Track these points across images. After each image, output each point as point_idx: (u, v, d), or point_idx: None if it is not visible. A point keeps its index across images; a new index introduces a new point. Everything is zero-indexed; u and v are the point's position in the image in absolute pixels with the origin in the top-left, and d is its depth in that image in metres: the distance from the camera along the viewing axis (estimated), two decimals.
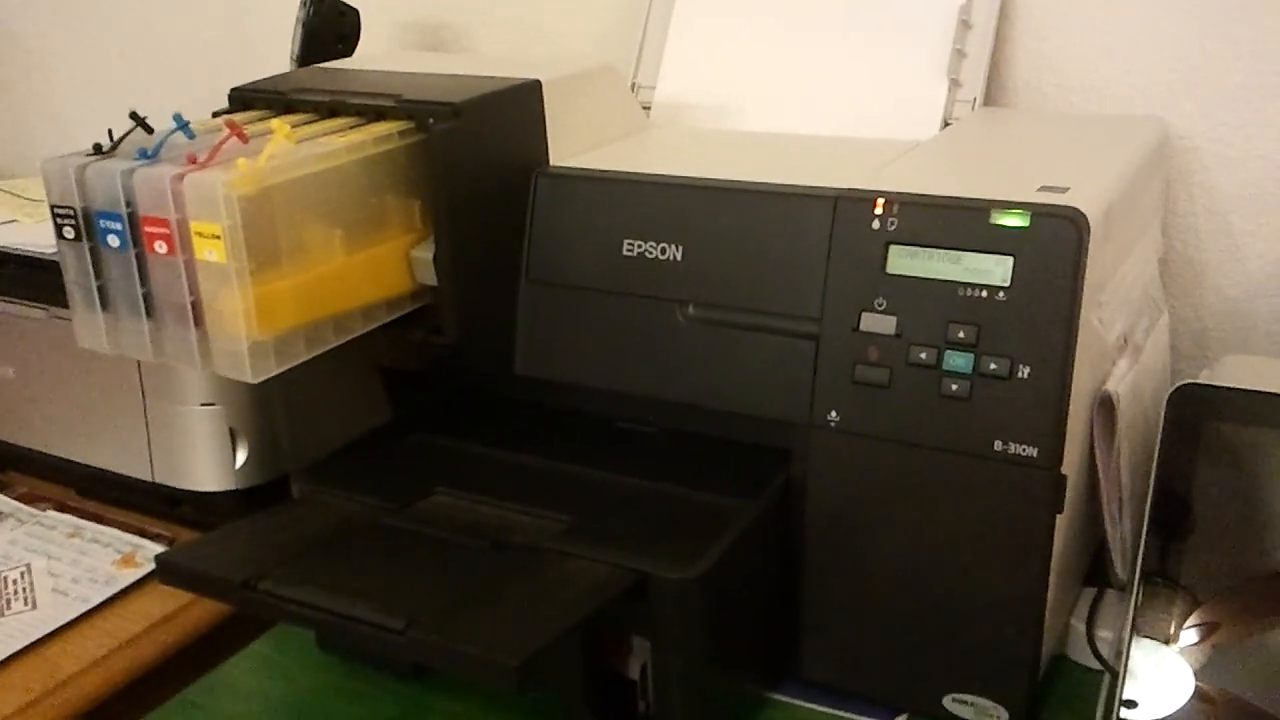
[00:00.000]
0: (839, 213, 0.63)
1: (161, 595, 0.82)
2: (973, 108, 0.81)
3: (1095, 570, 0.71)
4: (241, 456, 0.89)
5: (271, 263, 0.58)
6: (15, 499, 0.97)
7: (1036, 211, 0.58)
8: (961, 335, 0.59)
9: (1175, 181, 0.84)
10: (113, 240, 0.59)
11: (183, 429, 0.88)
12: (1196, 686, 0.59)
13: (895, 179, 0.65)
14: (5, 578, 0.85)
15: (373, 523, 0.66)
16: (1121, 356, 0.67)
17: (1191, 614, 0.62)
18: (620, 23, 0.99)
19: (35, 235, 0.96)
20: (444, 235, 0.65)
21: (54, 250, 0.62)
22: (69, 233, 0.61)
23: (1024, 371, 0.58)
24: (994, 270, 0.59)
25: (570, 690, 0.64)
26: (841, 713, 0.68)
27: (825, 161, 0.74)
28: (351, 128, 0.65)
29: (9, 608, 0.82)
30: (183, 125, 0.62)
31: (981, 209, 0.59)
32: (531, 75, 0.70)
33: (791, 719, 0.68)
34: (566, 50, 1.04)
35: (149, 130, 0.62)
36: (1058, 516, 0.59)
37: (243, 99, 0.70)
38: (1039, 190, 0.60)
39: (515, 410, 0.76)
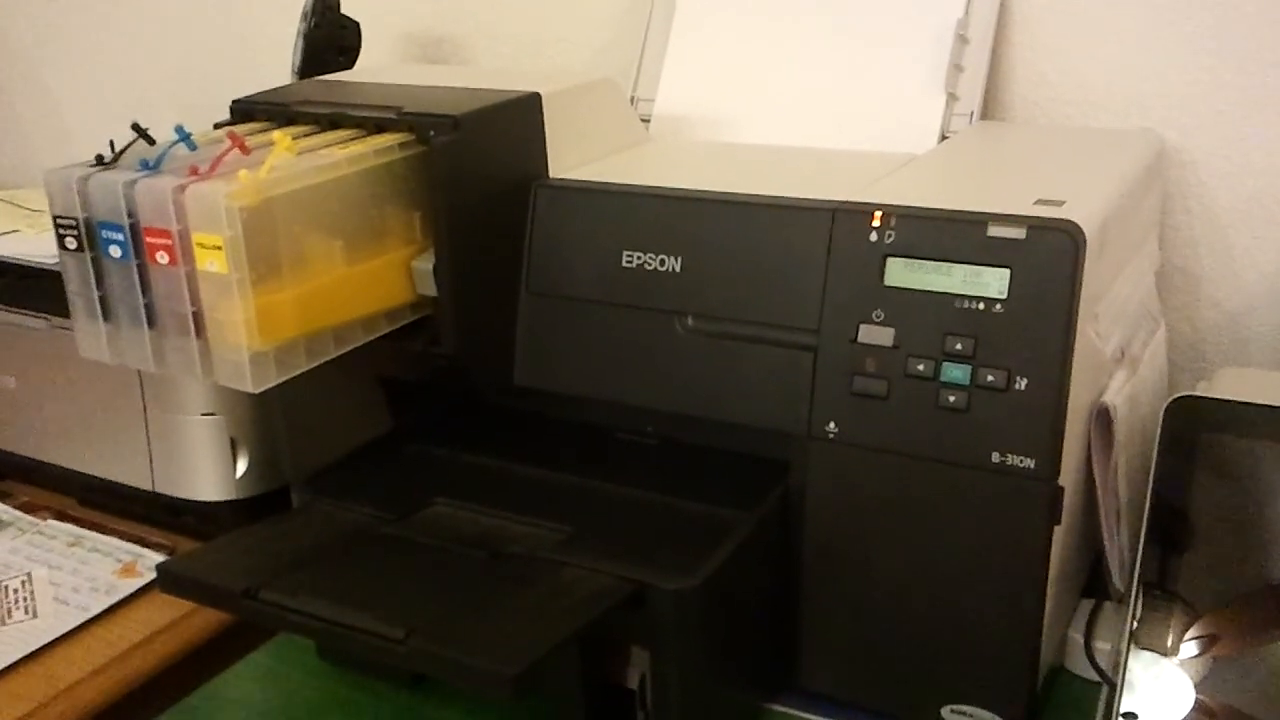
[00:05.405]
0: (837, 225, 0.63)
1: (162, 604, 0.82)
2: (970, 121, 0.81)
3: (1093, 581, 0.71)
4: (242, 466, 0.89)
5: (273, 273, 0.59)
6: (16, 508, 0.97)
7: (1033, 224, 0.59)
8: (959, 347, 0.60)
9: (1172, 195, 0.84)
10: (114, 251, 0.60)
11: (184, 439, 0.88)
12: (1196, 699, 0.59)
13: (893, 191, 0.65)
14: (6, 587, 0.85)
15: (372, 532, 0.67)
16: (1119, 369, 0.67)
17: (1190, 626, 0.62)
18: (620, 36, 0.99)
19: (37, 245, 0.96)
20: (444, 247, 0.65)
21: (56, 260, 0.62)
22: (71, 243, 0.61)
23: (1021, 383, 0.58)
24: (991, 283, 0.59)
25: (569, 700, 0.65)
26: None
27: (823, 174, 0.74)
28: (352, 139, 0.65)
29: (10, 617, 0.82)
30: (184, 137, 0.62)
31: (978, 222, 0.60)
32: (531, 88, 0.70)
33: None
34: (566, 63, 1.04)
35: (151, 141, 0.62)
36: (1055, 528, 0.60)
37: (244, 111, 0.71)
38: (1035, 203, 0.61)
39: (514, 421, 0.77)
